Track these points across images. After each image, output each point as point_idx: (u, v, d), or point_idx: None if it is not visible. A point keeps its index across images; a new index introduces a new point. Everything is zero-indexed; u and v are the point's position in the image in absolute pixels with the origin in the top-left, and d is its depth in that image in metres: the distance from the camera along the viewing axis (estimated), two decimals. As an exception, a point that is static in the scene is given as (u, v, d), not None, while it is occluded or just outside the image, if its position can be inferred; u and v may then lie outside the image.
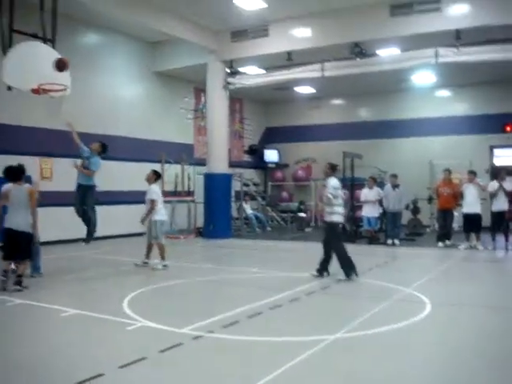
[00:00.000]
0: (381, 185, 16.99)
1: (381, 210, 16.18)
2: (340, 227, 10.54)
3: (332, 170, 10.53)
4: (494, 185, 14.59)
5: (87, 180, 11.35)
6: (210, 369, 5.24)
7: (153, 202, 11.26)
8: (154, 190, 11.49)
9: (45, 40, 10.77)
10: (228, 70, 18.01)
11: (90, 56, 16.79)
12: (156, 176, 11.87)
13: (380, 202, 15.99)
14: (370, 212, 16.02)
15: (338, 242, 9.94)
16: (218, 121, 18.18)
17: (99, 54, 17.29)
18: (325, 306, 8.06)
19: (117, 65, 18.04)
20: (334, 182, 10.26)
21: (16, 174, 9.21)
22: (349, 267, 9.73)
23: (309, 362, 5.34)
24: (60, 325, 6.96)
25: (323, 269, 10.05)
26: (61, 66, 9.67)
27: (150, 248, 11.56)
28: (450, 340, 6.30)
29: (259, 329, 6.63)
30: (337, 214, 10.08)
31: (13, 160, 14.12)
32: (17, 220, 8.88)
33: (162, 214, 11.55)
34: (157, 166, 17.83)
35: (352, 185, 17.23)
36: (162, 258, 11.30)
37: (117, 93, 18.03)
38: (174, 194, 18.69)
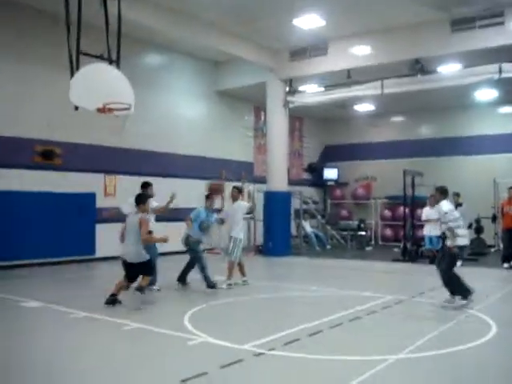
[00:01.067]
0: (460, 204, 16.67)
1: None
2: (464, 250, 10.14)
3: (443, 194, 9.57)
4: None
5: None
6: (271, 386, 5.25)
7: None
8: (244, 205, 11.48)
9: (110, 61, 11.12)
10: (287, 89, 18.12)
11: (153, 75, 17.26)
12: (239, 191, 11.51)
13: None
14: (431, 231, 15.67)
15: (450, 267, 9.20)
16: (278, 139, 18.28)
17: (162, 74, 17.70)
18: (386, 326, 7.94)
19: (179, 84, 18.41)
20: (446, 206, 9.36)
21: (138, 199, 9.31)
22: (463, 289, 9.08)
23: (371, 382, 5.28)
24: (123, 338, 7.09)
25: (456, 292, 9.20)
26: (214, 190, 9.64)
27: (240, 266, 11.48)
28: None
29: (320, 347, 6.59)
30: (461, 238, 9.29)
31: (79, 177, 14.76)
32: (128, 250, 8.90)
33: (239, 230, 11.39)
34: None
35: (413, 203, 16.98)
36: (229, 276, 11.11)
37: (179, 111, 18.40)
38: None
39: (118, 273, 10.20)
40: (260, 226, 18.61)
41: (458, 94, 18.94)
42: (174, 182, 17.22)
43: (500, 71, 14.22)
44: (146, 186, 10.84)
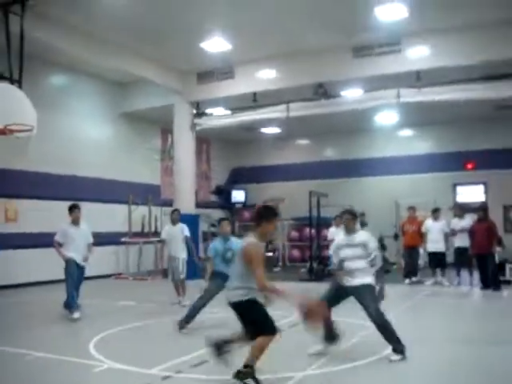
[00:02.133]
0: (365, 224, 17.12)
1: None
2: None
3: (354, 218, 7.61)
4: (456, 222, 14.86)
5: None
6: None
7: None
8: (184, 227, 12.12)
9: (11, 81, 10.81)
10: (194, 111, 18.15)
11: (57, 96, 16.80)
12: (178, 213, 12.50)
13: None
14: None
15: None
16: (185, 161, 18.23)
17: (66, 95, 17.26)
18: (296, 344, 8.03)
19: (83, 105, 18.02)
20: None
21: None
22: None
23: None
24: (24, 369, 6.80)
25: None
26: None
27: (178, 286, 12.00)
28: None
29: (227, 369, 6.56)
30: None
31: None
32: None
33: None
34: (124, 207, 17.88)
35: (319, 224, 17.34)
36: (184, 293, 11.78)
37: (84, 133, 17.97)
38: (141, 234, 18.59)
39: (19, 300, 9.84)
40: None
41: (361, 117, 19.59)
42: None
43: (398, 96, 14.86)
44: (73, 208, 10.56)
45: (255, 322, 5.93)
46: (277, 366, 6.61)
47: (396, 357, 6.81)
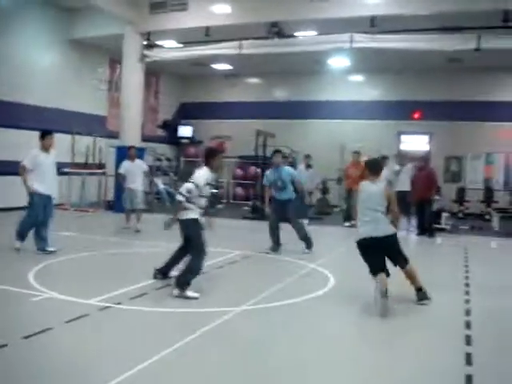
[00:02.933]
0: (292, 165, 17.30)
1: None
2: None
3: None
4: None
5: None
6: (115, 339, 5.29)
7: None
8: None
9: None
10: (145, 43, 17.72)
11: (1, 20, 16.01)
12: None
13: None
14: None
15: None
16: (133, 94, 17.89)
17: (11, 19, 16.42)
18: (232, 280, 8.21)
19: (29, 30, 17.22)
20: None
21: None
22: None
23: (213, 333, 5.50)
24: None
25: None
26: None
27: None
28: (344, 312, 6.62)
29: (167, 301, 6.70)
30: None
31: None
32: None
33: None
34: (68, 137, 17.53)
35: (264, 163, 17.44)
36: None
37: (28, 59, 17.25)
38: (85, 166, 18.33)
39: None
40: (111, 181, 18.24)
41: (313, 59, 19.54)
42: (20, 134, 16.43)
43: (351, 40, 14.84)
44: (47, 134, 9.77)
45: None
46: (215, 302, 6.77)
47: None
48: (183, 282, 6.93)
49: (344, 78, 22.85)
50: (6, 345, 4.86)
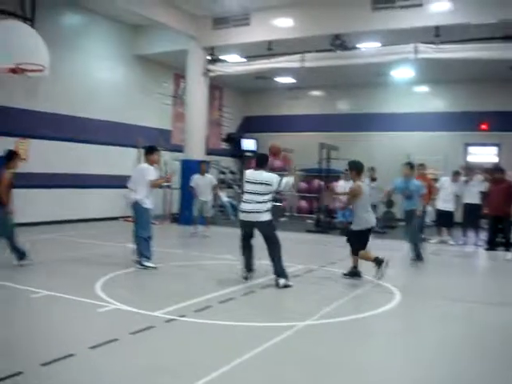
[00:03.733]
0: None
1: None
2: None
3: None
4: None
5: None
6: (180, 351, 5.30)
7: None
8: None
9: (24, 19, 10.70)
10: (209, 57, 17.97)
11: (70, 37, 16.58)
12: None
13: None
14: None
15: None
16: (197, 108, 18.15)
17: (79, 35, 17.03)
18: (295, 294, 8.15)
19: (97, 47, 17.82)
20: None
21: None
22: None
23: (278, 347, 5.44)
24: (31, 305, 6.95)
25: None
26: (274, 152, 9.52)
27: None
28: (416, 328, 6.45)
29: (231, 314, 6.70)
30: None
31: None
32: None
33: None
34: (133, 151, 17.90)
35: (328, 176, 17.35)
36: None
37: (96, 75, 17.83)
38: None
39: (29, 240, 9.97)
40: (176, 194, 18.53)
41: (376, 71, 19.36)
42: (87, 148, 16.95)
43: (416, 51, 14.61)
44: (154, 150, 9.91)
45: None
46: (279, 316, 6.74)
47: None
48: (282, 272, 8.27)
49: (408, 89, 22.53)
50: (74, 354, 4.96)
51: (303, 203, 22.98)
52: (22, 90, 13.83)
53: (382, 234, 16.43)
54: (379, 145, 22.46)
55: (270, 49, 16.37)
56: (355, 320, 6.62)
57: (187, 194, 17.18)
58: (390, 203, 19.13)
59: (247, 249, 8.87)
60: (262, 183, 8.43)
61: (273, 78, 21.97)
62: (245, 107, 26.24)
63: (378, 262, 8.92)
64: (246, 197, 8.61)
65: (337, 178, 17.11)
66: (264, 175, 8.51)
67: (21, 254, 9.16)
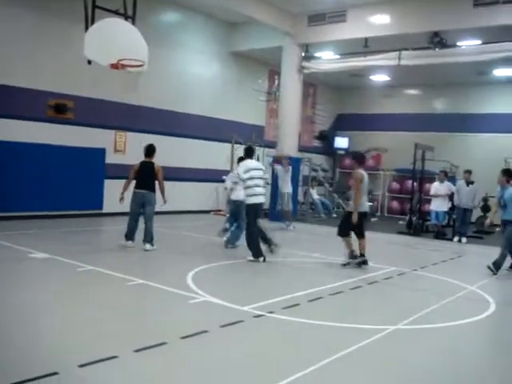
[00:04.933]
0: (452, 179, 16.63)
1: (449, 205, 15.84)
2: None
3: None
4: None
5: None
6: (268, 348, 5.33)
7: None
8: None
9: (126, 17, 11.06)
10: (303, 54, 17.97)
11: (168, 34, 17.06)
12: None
13: (450, 197, 15.65)
14: (438, 206, 15.62)
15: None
16: (291, 104, 18.19)
17: (177, 32, 17.50)
18: (387, 297, 8.02)
19: (194, 43, 18.22)
20: None
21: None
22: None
23: (365, 350, 5.35)
24: (127, 292, 7.20)
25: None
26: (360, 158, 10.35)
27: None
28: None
29: (319, 313, 6.68)
30: None
31: (90, 132, 14.79)
32: None
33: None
34: (227, 146, 18.19)
35: (422, 177, 16.96)
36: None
37: (192, 71, 18.25)
38: (242, 174, 18.87)
39: (123, 228, 10.32)
40: (268, 189, 18.62)
41: (477, 69, 18.74)
42: (183, 142, 17.35)
43: (519, 49, 14.05)
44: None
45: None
46: (368, 318, 6.65)
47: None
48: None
49: (509, 88, 21.58)
50: (166, 343, 5.10)
51: (395, 204, 22.61)
52: (121, 85, 14.36)
53: (479, 239, 15.91)
54: (477, 146, 21.75)
55: (366, 46, 16.19)
56: (448, 327, 6.42)
57: (277, 190, 17.29)
58: (486, 208, 18.47)
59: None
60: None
61: (367, 75, 21.69)
62: (338, 105, 26.05)
63: (353, 256, 9.90)
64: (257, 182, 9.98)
65: (431, 180, 16.67)
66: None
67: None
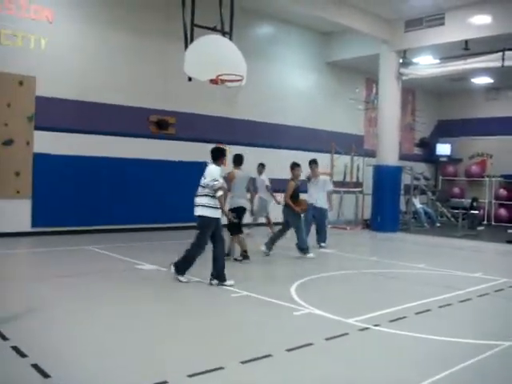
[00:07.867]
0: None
1: None
2: None
3: None
4: None
5: None
6: (373, 362, 5.19)
7: None
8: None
9: (223, 33, 11.27)
10: (401, 61, 17.63)
11: (264, 47, 17.32)
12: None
13: None
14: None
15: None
16: (390, 112, 17.86)
17: (272, 45, 17.72)
18: (499, 310, 7.67)
19: (290, 55, 18.37)
20: None
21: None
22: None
23: (477, 368, 5.09)
24: (232, 304, 7.29)
25: None
26: None
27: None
28: None
29: (427, 326, 6.46)
30: None
31: (191, 146, 15.18)
32: None
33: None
34: (327, 156, 18.12)
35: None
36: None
37: (288, 83, 18.39)
38: (343, 184, 18.73)
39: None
40: (368, 200, 18.38)
41: None
42: (282, 154, 17.42)
43: None
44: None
45: None
46: (479, 332, 6.38)
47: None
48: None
49: None
50: (271, 355, 5.08)
51: (502, 211, 21.67)
52: (220, 100, 14.64)
53: None
54: None
55: (466, 48, 15.66)
56: None
57: (379, 200, 17.01)
58: None
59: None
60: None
61: (469, 78, 20.99)
62: (439, 110, 25.36)
63: (245, 256, 10.25)
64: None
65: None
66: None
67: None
